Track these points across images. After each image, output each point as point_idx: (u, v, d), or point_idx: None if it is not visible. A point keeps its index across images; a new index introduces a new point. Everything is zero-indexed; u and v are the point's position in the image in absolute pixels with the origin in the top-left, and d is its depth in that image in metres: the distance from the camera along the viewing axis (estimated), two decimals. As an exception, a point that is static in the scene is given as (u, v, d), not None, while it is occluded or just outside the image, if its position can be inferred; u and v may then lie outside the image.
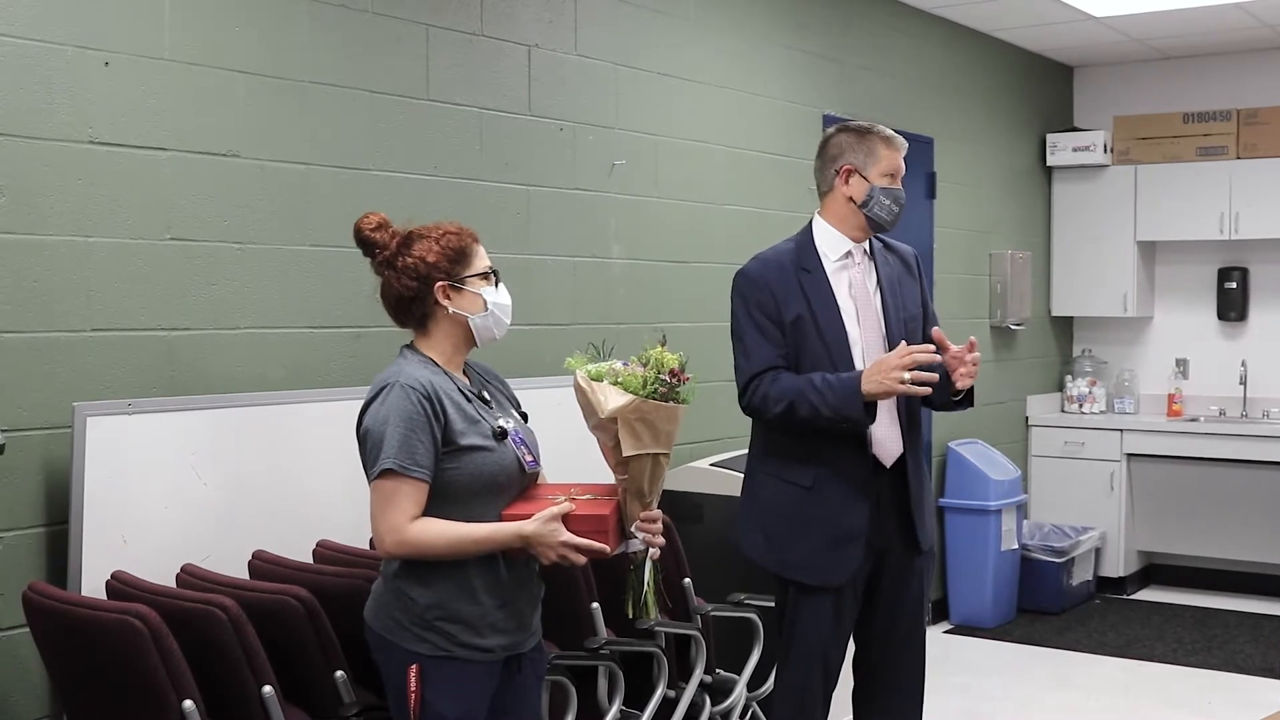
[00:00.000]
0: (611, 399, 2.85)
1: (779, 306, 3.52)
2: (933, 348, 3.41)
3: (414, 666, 2.75)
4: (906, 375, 3.34)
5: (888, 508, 3.57)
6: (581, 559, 2.78)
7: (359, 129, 4.02)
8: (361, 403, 2.82)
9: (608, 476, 2.99)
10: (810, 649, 3.56)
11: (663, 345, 2.93)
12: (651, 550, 2.93)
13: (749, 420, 3.68)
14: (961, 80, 7.15)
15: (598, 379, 2.89)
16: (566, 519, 2.77)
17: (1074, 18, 6.89)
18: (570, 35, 4.75)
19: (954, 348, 3.49)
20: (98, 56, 3.38)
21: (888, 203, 3.54)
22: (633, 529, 2.89)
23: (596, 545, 2.77)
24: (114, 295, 3.42)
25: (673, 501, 4.81)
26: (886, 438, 3.54)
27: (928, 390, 3.41)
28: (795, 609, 3.57)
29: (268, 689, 2.92)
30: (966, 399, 3.60)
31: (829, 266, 3.57)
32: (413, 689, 2.74)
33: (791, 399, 3.45)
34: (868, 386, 3.38)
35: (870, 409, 3.43)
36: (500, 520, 2.80)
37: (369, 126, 4.05)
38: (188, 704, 2.80)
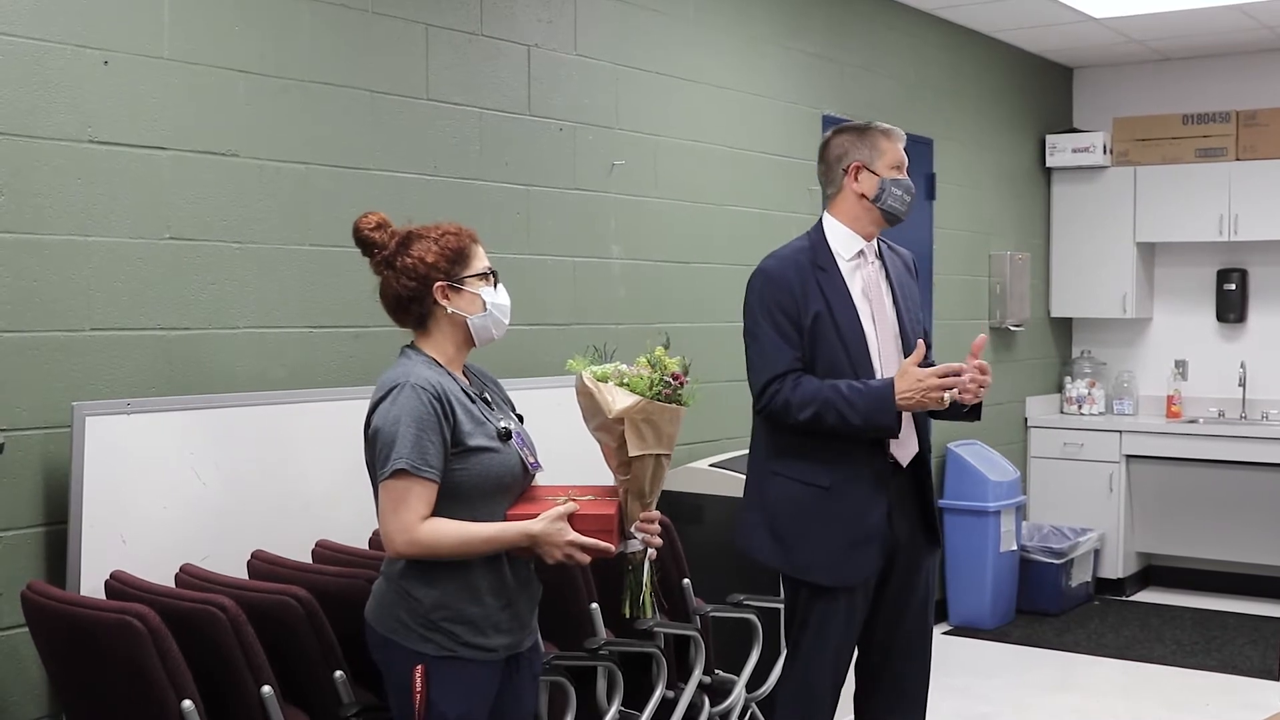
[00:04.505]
0: (619, 400, 2.88)
1: (799, 305, 3.50)
2: (961, 366, 3.43)
3: (419, 667, 2.75)
4: (945, 394, 3.38)
5: (902, 507, 3.59)
6: (586, 558, 2.80)
7: (358, 128, 4.02)
8: (369, 403, 2.82)
9: (606, 477, 3.01)
10: (823, 650, 3.55)
11: (665, 348, 2.95)
12: (649, 550, 2.96)
13: (749, 420, 3.68)
14: (961, 81, 7.14)
15: (603, 380, 2.91)
16: (572, 518, 2.79)
17: (1074, 19, 6.89)
18: (570, 35, 4.74)
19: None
20: (97, 55, 3.38)
21: (899, 193, 3.56)
22: (632, 529, 2.92)
23: (601, 544, 2.80)
24: (113, 294, 3.41)
25: (672, 502, 4.81)
26: (904, 439, 3.54)
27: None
28: (808, 610, 3.56)
29: (267, 689, 2.91)
30: (974, 412, 3.62)
31: (843, 266, 3.57)
32: (418, 689, 2.74)
33: (818, 408, 3.43)
34: (903, 401, 3.39)
35: (900, 419, 3.45)
36: (505, 520, 2.81)
37: (368, 126, 4.04)
38: (187, 704, 2.80)
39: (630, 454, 2.88)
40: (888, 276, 3.63)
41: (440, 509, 2.75)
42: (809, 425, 3.46)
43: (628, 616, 3.01)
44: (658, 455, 2.90)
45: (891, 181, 3.55)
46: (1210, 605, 7.36)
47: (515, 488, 2.87)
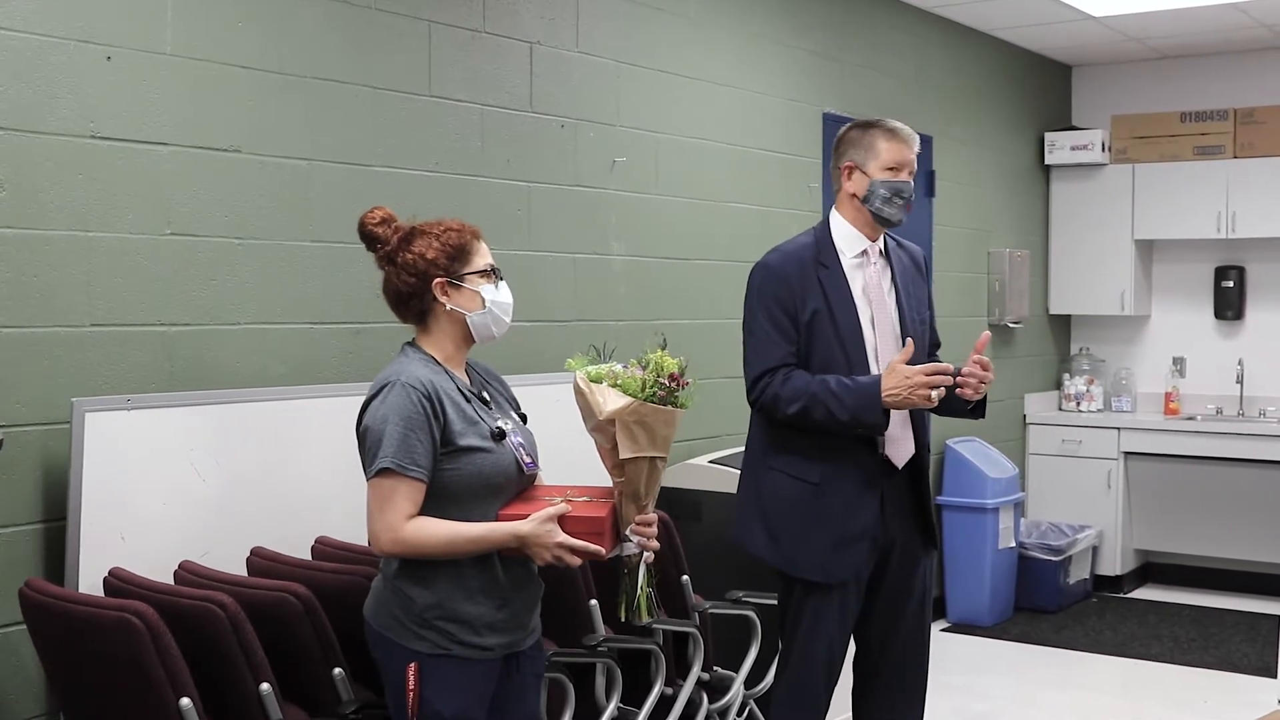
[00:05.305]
0: (610, 401, 2.84)
1: (797, 301, 3.50)
2: (951, 366, 3.43)
3: (413, 665, 2.75)
4: (932, 393, 3.37)
5: (895, 507, 3.58)
6: (576, 560, 2.78)
7: (360, 125, 4.01)
8: (362, 400, 2.82)
9: (607, 477, 2.99)
10: (815, 646, 3.56)
11: (663, 349, 2.91)
12: (646, 554, 2.92)
13: (748, 415, 3.68)
14: (961, 79, 7.14)
15: (597, 381, 2.88)
16: (563, 520, 2.76)
17: (1073, 17, 6.89)
18: (572, 32, 4.74)
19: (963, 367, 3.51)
20: (99, 51, 3.37)
21: (888, 195, 3.50)
22: (628, 532, 2.88)
23: (592, 547, 2.77)
24: (114, 290, 3.41)
25: (671, 499, 4.81)
26: (900, 439, 3.55)
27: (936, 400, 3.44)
28: (800, 606, 3.57)
29: (265, 686, 2.91)
30: (978, 409, 3.62)
31: (845, 264, 3.56)
32: (411, 687, 2.74)
33: (805, 402, 3.43)
34: (889, 398, 3.38)
35: (887, 416, 3.43)
36: (496, 520, 2.80)
37: (370, 122, 4.04)
38: (185, 702, 2.79)
39: (622, 456, 2.84)
40: (893, 277, 3.62)
41: (431, 508, 2.74)
42: (797, 419, 3.46)
43: (623, 620, 3.00)
44: (652, 458, 2.85)
45: (880, 183, 3.50)
46: (1208, 602, 7.37)
47: (508, 488, 2.85)
